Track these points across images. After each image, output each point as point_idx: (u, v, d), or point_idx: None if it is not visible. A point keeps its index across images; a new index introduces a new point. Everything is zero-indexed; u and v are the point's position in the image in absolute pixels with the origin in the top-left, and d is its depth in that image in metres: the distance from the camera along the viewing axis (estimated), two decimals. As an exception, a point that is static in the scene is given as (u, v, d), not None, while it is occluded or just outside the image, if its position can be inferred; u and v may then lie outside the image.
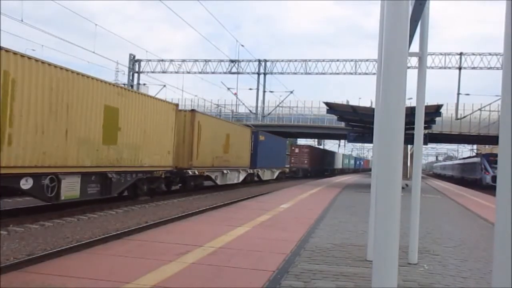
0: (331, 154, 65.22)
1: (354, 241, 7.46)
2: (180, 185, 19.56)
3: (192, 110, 19.60)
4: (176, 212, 13.30)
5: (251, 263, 5.63)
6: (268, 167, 31.43)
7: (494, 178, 32.11)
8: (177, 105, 18.26)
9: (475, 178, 39.67)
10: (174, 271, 5.11)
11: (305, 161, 46.41)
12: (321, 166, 54.19)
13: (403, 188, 2.34)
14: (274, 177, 33.64)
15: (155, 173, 16.20)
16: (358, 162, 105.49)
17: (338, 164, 69.81)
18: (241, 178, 25.94)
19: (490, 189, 29.05)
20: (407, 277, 5.25)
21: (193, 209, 14.26)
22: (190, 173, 18.79)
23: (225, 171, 23.06)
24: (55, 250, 7.52)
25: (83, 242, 8.22)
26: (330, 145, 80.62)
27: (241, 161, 25.98)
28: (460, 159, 65.25)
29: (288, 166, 44.36)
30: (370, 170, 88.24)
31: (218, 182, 22.42)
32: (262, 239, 7.38)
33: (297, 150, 47.33)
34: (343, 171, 72.40)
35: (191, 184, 19.59)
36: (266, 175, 31.50)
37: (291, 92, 43.63)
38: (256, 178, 29.59)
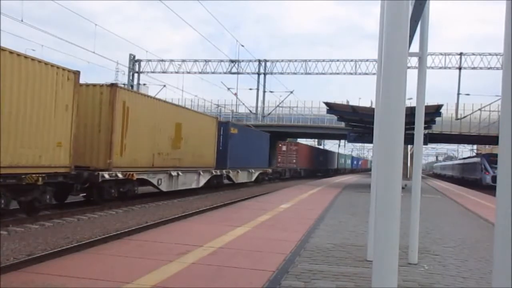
0: (324, 153, 59.61)
1: (354, 241, 7.46)
2: (84, 194, 13.62)
3: (112, 85, 13.83)
4: (176, 212, 13.29)
5: (251, 263, 5.63)
6: (243, 167, 25.52)
7: (494, 178, 32.12)
8: (76, 72, 11.74)
9: (475, 178, 39.67)
10: (174, 271, 5.11)
11: (293, 161, 41.52)
12: (313, 166, 49.37)
13: (402, 188, 2.34)
14: (253, 179, 27.81)
15: (25, 179, 10.11)
16: (355, 162, 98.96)
17: (333, 164, 63.96)
18: (203, 181, 20.12)
19: (490, 189, 29.04)
20: (407, 277, 5.25)
21: (193, 209, 14.26)
22: (107, 176, 12.93)
23: (174, 173, 17.09)
24: (55, 250, 7.51)
25: (83, 242, 8.21)
26: (330, 145, 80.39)
27: (202, 160, 20.20)
28: (460, 159, 65.25)
29: (273, 166, 39.31)
30: (369, 170, 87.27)
31: (163, 188, 16.54)
32: (262, 239, 7.38)
33: (284, 148, 42.03)
34: (338, 172, 66.26)
35: (110, 192, 13.51)
36: (241, 177, 25.53)
37: (291, 92, 43.63)
38: (226, 181, 24.25)
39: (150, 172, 15.67)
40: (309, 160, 47.42)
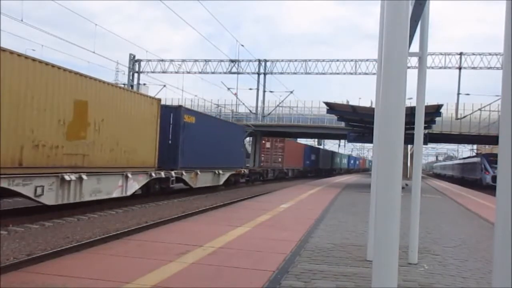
0: (317, 151, 53.31)
1: (354, 241, 7.46)
2: None
3: None
4: (176, 212, 13.30)
5: (251, 263, 5.63)
6: (205, 167, 19.99)
7: (494, 178, 32.11)
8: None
9: (475, 178, 39.67)
10: (174, 271, 5.11)
11: (279, 159, 36.44)
12: (303, 165, 44.54)
13: (402, 188, 2.34)
14: (220, 182, 22.32)
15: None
16: (352, 162, 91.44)
17: (326, 164, 57.50)
18: (134, 187, 14.58)
19: (490, 189, 29.05)
20: (407, 277, 5.25)
21: (193, 209, 14.26)
22: None
23: (71, 177, 11.30)
24: (55, 250, 7.52)
25: (83, 242, 8.22)
26: (330, 145, 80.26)
27: (133, 158, 14.45)
28: (460, 159, 65.24)
29: (255, 166, 35.54)
30: (367, 170, 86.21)
31: (49, 200, 10.78)
32: (262, 239, 7.38)
33: (268, 145, 36.80)
34: (332, 172, 60.31)
35: None
36: (202, 180, 19.75)
37: (291, 92, 43.58)
38: (178, 185, 18.49)
39: (15, 177, 9.72)
40: (298, 159, 42.54)
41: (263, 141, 37.49)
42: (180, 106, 18.44)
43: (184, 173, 17.85)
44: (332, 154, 65.49)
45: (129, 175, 14.17)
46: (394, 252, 2.08)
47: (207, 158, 20.01)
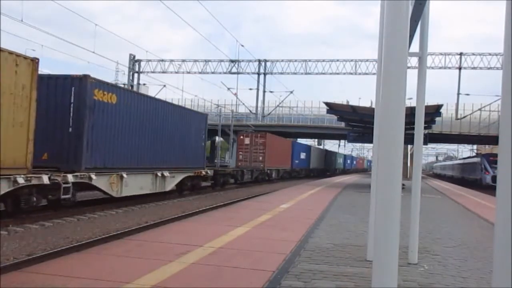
0: (307, 150, 46.26)
1: (354, 241, 7.46)
2: None
3: None
4: (176, 212, 13.29)
5: (251, 263, 5.63)
6: (138, 167, 14.61)
7: (494, 178, 32.11)
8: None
9: (475, 178, 39.67)
10: (174, 271, 5.11)
11: (260, 158, 30.34)
12: (290, 165, 38.31)
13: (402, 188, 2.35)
14: (167, 188, 16.74)
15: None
16: (349, 161, 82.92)
17: (316, 163, 50.13)
18: None
19: (490, 189, 29.04)
20: (407, 277, 5.25)
21: (193, 209, 14.25)
22: None
23: None
24: (55, 250, 7.51)
25: (83, 242, 8.21)
26: (330, 145, 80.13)
27: None
28: (460, 159, 65.23)
29: (233, 165, 30.29)
30: (366, 171, 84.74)
31: None
32: (262, 239, 7.38)
33: (247, 141, 30.66)
34: (324, 173, 53.23)
35: None
36: (134, 185, 14.32)
37: (291, 92, 43.65)
38: (69, 195, 11.17)
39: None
40: (285, 158, 36.35)
41: (241, 136, 31.06)
42: (86, 76, 12.00)
43: (93, 176, 12.13)
44: (326, 152, 59.34)
45: None
46: (394, 252, 2.08)
47: (142, 154, 14.83)
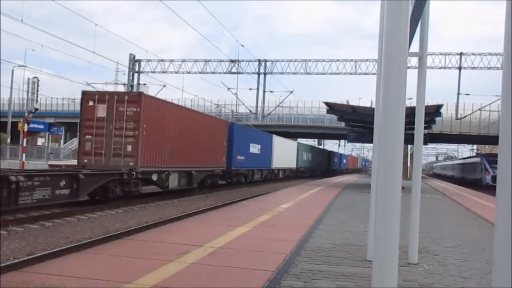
0: (261, 137, 29.50)
1: (354, 241, 7.45)
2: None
3: None
4: (176, 212, 13.29)
5: (251, 263, 5.63)
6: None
7: (494, 178, 32.09)
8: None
9: (475, 178, 39.67)
10: (174, 271, 5.10)
11: (129, 148, 14.48)
12: (225, 164, 22.66)
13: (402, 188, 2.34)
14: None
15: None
16: (336, 160, 65.21)
17: (283, 161, 34.41)
18: None
19: (490, 189, 29.04)
20: (407, 277, 5.25)
21: (193, 209, 14.25)
22: None
23: None
24: (55, 250, 7.51)
25: (83, 242, 8.22)
26: (330, 145, 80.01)
27: None
28: (460, 159, 65.22)
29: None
30: (359, 171, 79.71)
31: None
32: (262, 239, 7.38)
33: (102, 110, 14.76)
34: (296, 175, 39.93)
35: None
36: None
37: (291, 92, 43.63)
38: None
39: None
40: (206, 150, 20.16)
41: (88, 102, 15.08)
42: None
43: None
44: (298, 147, 41.03)
45: None
46: (394, 252, 2.08)
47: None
